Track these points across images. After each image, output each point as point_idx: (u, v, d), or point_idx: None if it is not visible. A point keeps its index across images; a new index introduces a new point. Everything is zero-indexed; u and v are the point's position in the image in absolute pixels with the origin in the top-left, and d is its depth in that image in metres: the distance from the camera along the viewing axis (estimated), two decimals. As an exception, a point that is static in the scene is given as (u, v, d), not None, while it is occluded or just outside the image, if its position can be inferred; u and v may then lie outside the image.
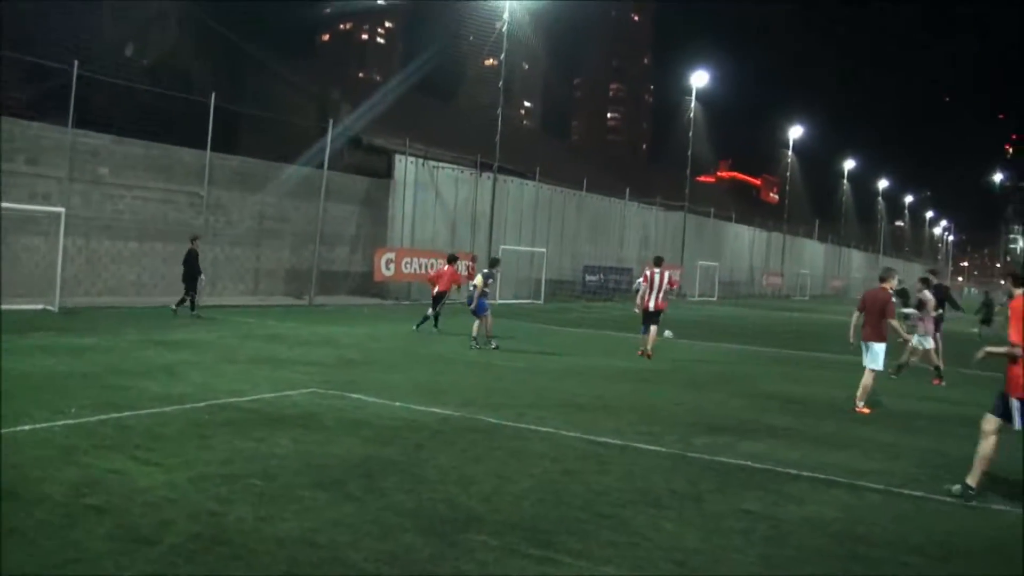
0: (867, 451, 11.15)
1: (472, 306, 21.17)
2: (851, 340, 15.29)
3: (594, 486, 8.65)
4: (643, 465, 9.71)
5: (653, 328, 21.03)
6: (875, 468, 10.14)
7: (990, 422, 9.15)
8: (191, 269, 24.51)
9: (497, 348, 20.67)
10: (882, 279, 15.28)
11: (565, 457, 9.81)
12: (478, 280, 21.60)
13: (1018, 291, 9.38)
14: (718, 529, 7.50)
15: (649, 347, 20.81)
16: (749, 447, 10.92)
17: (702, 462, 10.00)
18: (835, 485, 9.28)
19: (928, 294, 20.14)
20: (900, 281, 20.26)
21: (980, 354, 9.37)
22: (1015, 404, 9.01)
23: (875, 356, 14.74)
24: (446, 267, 24.91)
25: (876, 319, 14.60)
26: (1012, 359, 8.97)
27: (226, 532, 6.67)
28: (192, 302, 24.51)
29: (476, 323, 21.14)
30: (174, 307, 24.41)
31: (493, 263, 23.85)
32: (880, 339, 14.65)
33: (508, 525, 7.22)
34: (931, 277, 21.73)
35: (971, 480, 9.02)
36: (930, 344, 19.73)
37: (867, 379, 14.72)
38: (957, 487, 9.07)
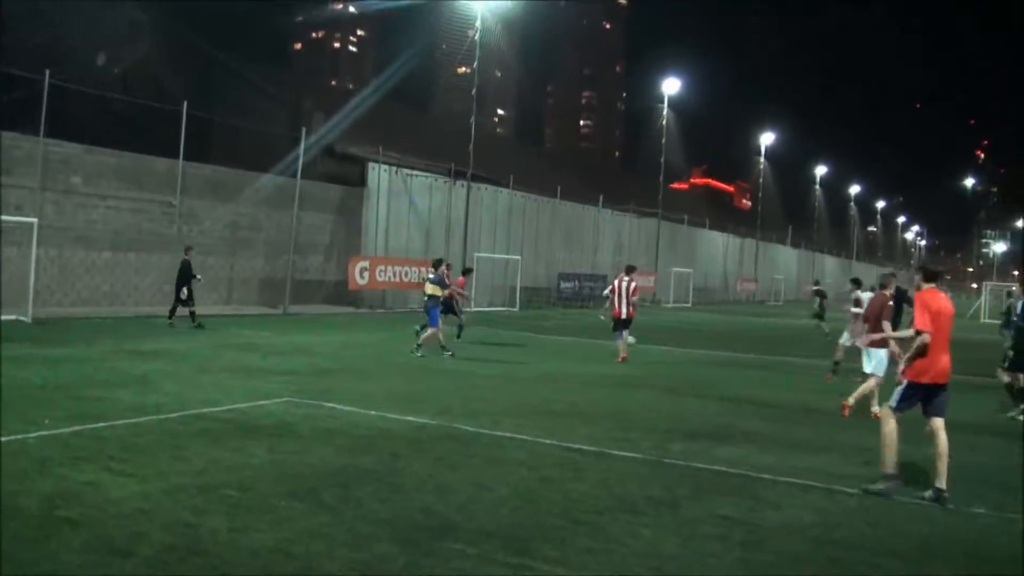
0: (844, 455, 11.18)
1: (456, 315, 21.31)
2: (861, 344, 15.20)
3: (571, 493, 8.65)
4: (619, 472, 9.72)
5: (625, 333, 21.37)
6: (851, 472, 10.16)
7: (932, 422, 9.48)
8: (183, 279, 24.36)
9: (419, 356, 19.98)
10: (882, 285, 15.29)
11: (542, 464, 9.81)
12: (434, 288, 20.84)
13: (927, 285, 9.77)
14: (695, 535, 7.51)
15: (622, 351, 21.39)
16: (725, 452, 10.94)
17: (678, 468, 10.02)
18: (811, 490, 9.30)
19: (859, 294, 19.91)
20: (817, 282, 21.13)
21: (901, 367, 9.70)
22: (900, 386, 9.58)
23: (870, 359, 14.59)
24: (460, 277, 25.41)
25: (875, 324, 14.45)
26: (921, 350, 9.33)
27: (201, 543, 6.64)
28: (172, 311, 24.45)
29: (430, 331, 20.54)
30: (193, 323, 24.21)
31: (437, 264, 21.72)
32: (881, 344, 14.24)
33: (484, 533, 7.22)
34: (890, 279, 22.02)
35: (939, 483, 9.17)
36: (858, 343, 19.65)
37: (868, 384, 14.45)
38: (929, 492, 9.15)
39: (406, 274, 37.89)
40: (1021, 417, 15.25)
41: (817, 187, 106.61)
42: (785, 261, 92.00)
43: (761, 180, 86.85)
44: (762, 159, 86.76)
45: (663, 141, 62.70)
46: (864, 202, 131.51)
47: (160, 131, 31.05)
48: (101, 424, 10.62)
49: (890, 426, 9.51)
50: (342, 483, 8.52)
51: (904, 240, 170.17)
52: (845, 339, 19.28)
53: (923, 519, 8.45)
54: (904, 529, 8.10)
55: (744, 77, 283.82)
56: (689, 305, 61.39)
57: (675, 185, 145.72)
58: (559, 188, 51.88)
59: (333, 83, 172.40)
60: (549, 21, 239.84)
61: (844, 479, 9.75)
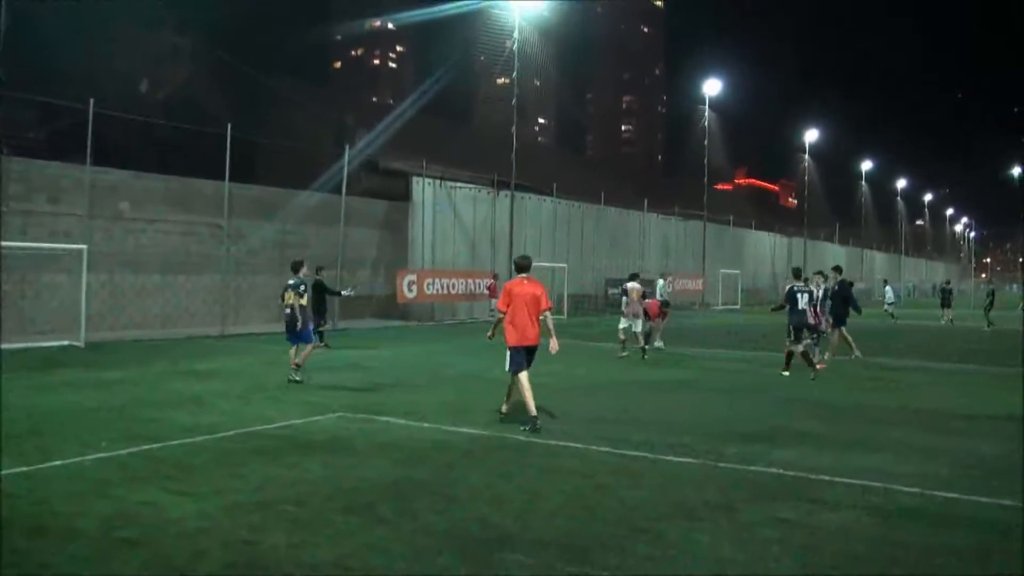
0: (900, 454, 11.04)
1: (298, 330, 17.60)
2: None
3: (627, 500, 8.61)
4: (675, 477, 9.66)
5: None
6: (909, 471, 10.02)
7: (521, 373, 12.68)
8: (320, 299, 24.65)
9: (300, 381, 16.93)
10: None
11: (596, 472, 9.77)
12: (292, 297, 17.52)
13: (517, 275, 13.08)
14: (754, 539, 7.44)
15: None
16: (780, 454, 10.83)
17: (734, 472, 9.93)
18: (869, 490, 9.17)
19: (633, 284, 24.01)
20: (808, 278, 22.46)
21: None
22: (509, 352, 12.70)
23: None
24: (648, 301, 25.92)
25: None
26: (499, 323, 12.95)
27: (260, 560, 6.67)
28: (320, 335, 24.58)
29: (295, 348, 17.60)
30: (322, 343, 24.41)
31: (296, 266, 18.37)
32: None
33: (542, 543, 7.19)
34: (831, 274, 23.97)
35: (505, 407, 13.20)
36: (638, 328, 23.67)
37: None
38: (527, 426, 12.27)
39: (454, 286, 38.01)
40: (787, 373, 19.59)
41: (863, 183, 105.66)
42: (834, 259, 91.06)
43: (806, 178, 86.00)
44: (806, 156, 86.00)
45: (705, 143, 62.46)
46: (911, 196, 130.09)
47: (205, 154, 31.34)
48: (156, 444, 10.71)
49: (522, 382, 12.63)
50: (398, 496, 8.53)
51: (953, 233, 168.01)
52: (624, 324, 23.75)
53: (984, 518, 8.31)
54: (965, 529, 7.96)
55: (783, 74, 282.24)
56: (738, 306, 61.03)
57: (719, 186, 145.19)
58: (603, 194, 51.80)
59: (374, 99, 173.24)
60: (586, 28, 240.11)
61: (903, 478, 9.61)
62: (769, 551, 7.14)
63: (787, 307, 20.06)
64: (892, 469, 10.10)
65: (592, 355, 24.03)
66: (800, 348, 19.71)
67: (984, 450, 11.32)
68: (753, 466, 10.17)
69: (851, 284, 24.37)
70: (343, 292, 25.58)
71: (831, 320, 22.86)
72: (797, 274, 21.35)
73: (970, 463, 10.48)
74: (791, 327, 19.79)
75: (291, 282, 17.72)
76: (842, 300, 23.22)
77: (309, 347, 17.64)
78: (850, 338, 23.10)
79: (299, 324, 17.52)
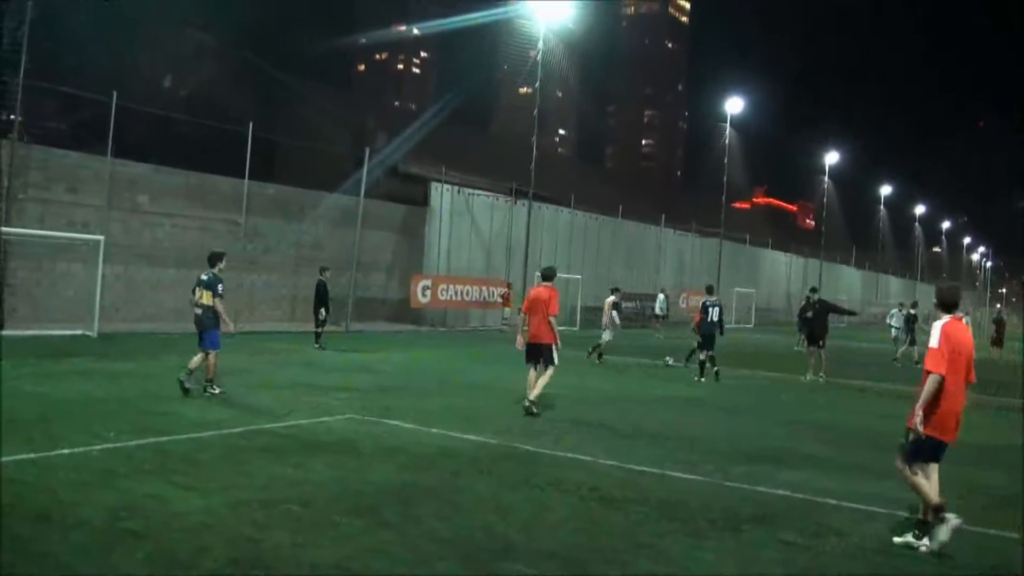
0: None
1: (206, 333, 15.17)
2: None
3: (632, 515, 8.58)
4: (681, 494, 9.62)
5: None
6: (915, 499, 9.92)
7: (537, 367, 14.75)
8: (320, 300, 24.61)
9: (221, 392, 14.73)
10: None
11: (603, 485, 9.74)
12: (207, 297, 15.13)
13: (542, 283, 15.18)
14: (757, 560, 7.41)
15: None
16: (787, 476, 10.80)
17: (740, 491, 9.90)
18: (875, 516, 9.15)
19: (612, 298, 26.53)
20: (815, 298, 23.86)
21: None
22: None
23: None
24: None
25: None
26: (521, 324, 15.52)
27: (263, 558, 6.66)
28: (316, 336, 24.62)
29: (211, 356, 15.08)
30: (316, 344, 24.31)
31: (214, 259, 15.48)
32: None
33: (545, 554, 7.17)
34: (807, 295, 27.38)
35: (531, 398, 14.55)
36: (606, 337, 25.68)
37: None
38: (527, 405, 14.40)
39: (468, 293, 38.01)
40: (702, 380, 21.63)
41: (881, 207, 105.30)
42: (849, 282, 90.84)
43: (825, 200, 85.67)
44: (826, 178, 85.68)
45: (725, 160, 62.28)
46: (928, 222, 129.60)
47: (225, 151, 31.42)
48: (164, 438, 10.73)
49: (530, 375, 14.73)
50: (403, 501, 8.52)
51: (970, 261, 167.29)
52: (607, 335, 25.75)
53: (988, 549, 8.27)
54: (970, 559, 7.92)
55: (806, 96, 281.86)
56: (751, 326, 60.79)
57: (737, 204, 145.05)
58: (620, 207, 51.72)
59: (396, 104, 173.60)
60: (611, 41, 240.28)
61: (908, 505, 9.55)
62: (772, 572, 7.12)
63: (700, 319, 22.31)
64: (898, 496, 10.02)
65: (604, 369, 23.98)
66: (703, 356, 22.10)
67: (991, 482, 11.26)
68: (759, 486, 10.13)
69: (827, 301, 25.97)
70: (324, 312, 25.09)
71: (814, 340, 24.49)
72: (710, 290, 23.96)
73: (976, 494, 10.42)
74: (702, 337, 22.16)
75: (204, 277, 15.28)
76: (825, 315, 24.99)
77: (213, 355, 15.03)
78: (824, 360, 23.98)
79: (208, 327, 15.15)
